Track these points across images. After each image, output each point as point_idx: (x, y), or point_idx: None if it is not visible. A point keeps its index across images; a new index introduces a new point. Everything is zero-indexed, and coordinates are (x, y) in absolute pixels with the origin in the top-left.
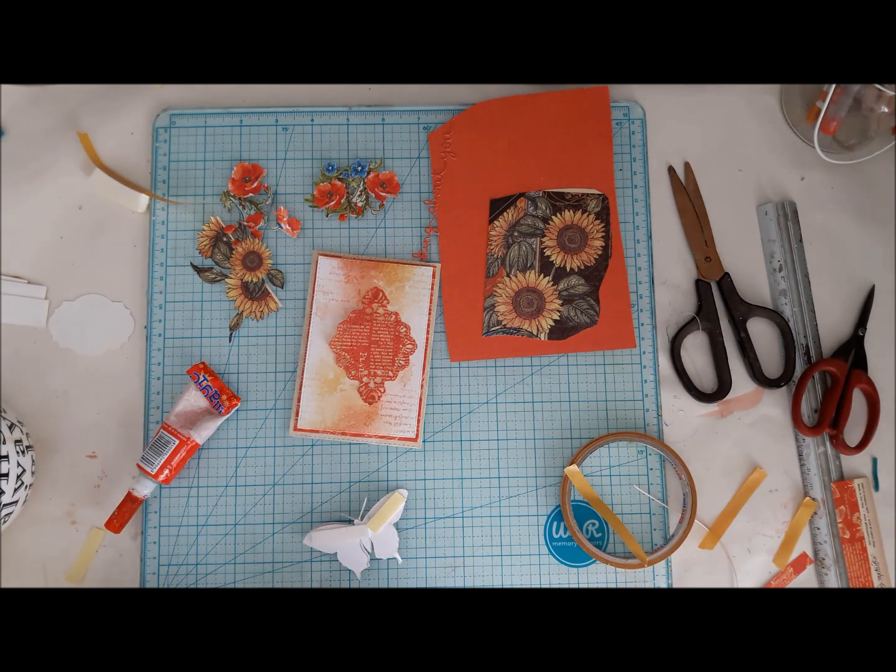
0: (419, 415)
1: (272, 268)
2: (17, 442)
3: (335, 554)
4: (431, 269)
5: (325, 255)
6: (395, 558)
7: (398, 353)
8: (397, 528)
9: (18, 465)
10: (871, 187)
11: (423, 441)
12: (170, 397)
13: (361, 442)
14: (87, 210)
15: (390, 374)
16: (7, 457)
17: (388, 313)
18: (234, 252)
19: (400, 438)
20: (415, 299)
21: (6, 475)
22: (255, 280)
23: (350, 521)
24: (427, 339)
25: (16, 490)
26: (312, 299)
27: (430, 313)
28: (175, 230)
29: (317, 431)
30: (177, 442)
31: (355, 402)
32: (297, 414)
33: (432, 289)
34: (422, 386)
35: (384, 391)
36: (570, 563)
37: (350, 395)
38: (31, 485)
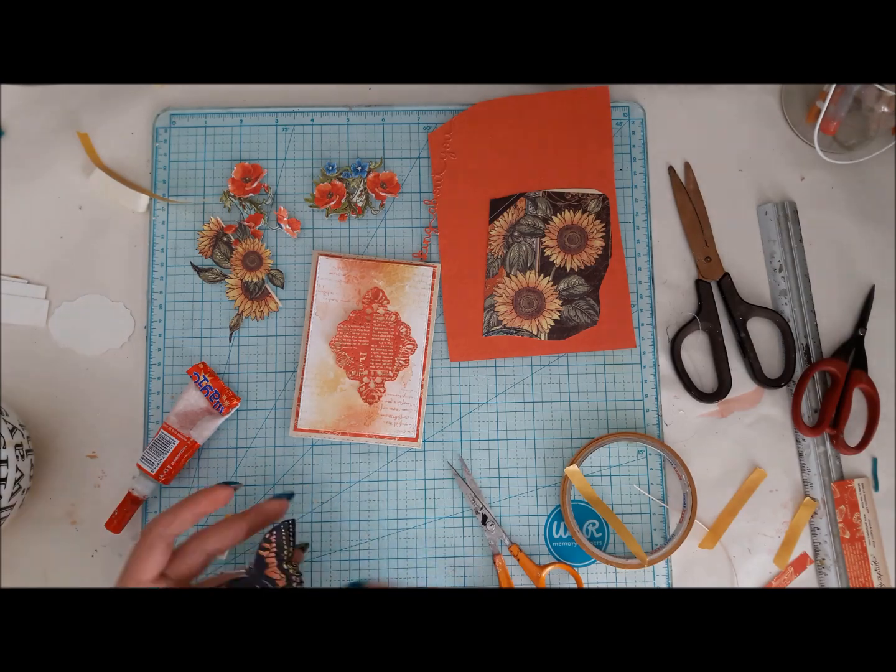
0: (419, 415)
1: (272, 268)
2: (18, 446)
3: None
4: (431, 269)
5: (325, 255)
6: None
7: (398, 353)
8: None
9: (17, 469)
10: (871, 187)
11: (423, 441)
12: (170, 397)
13: (361, 442)
14: (87, 210)
15: (390, 374)
16: (6, 461)
17: (388, 313)
18: (234, 252)
19: (400, 438)
20: (415, 299)
21: (4, 480)
22: (255, 280)
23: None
24: (427, 339)
25: (13, 494)
26: (312, 299)
27: (430, 313)
28: (175, 230)
29: (317, 431)
30: (177, 442)
31: (355, 402)
32: (297, 414)
33: (432, 289)
34: (422, 386)
35: (384, 391)
36: (570, 563)
37: (350, 395)
38: (28, 489)
